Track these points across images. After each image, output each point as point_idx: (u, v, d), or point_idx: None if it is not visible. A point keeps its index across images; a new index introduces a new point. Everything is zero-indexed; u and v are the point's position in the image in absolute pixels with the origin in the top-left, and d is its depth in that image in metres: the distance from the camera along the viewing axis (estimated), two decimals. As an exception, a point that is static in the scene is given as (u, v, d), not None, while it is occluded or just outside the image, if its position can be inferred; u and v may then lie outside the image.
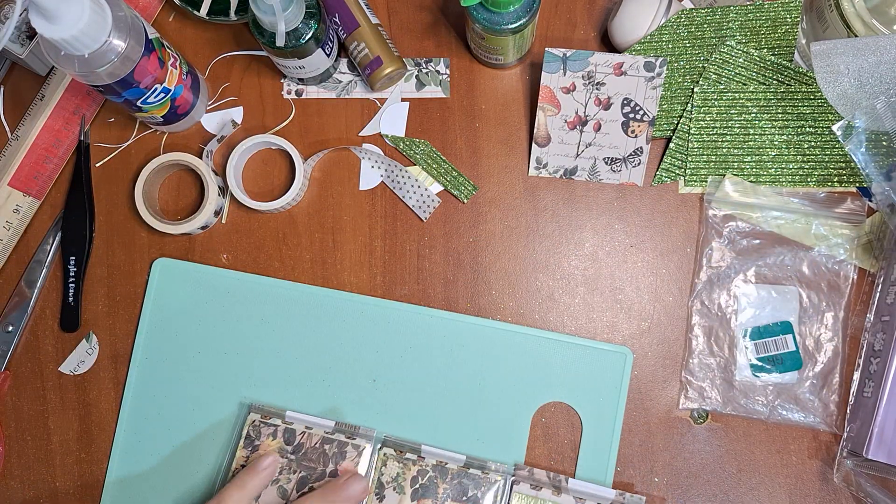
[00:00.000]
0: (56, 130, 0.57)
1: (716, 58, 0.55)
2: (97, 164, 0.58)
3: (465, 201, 0.56)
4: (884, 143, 0.51)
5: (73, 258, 0.56)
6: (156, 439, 0.55)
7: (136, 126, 0.58)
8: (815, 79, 0.53)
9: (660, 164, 0.56)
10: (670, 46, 0.55)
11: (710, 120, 0.55)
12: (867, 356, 0.53)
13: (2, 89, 0.59)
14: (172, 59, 0.52)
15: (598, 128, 0.54)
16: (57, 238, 0.57)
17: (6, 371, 0.56)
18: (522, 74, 0.58)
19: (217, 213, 0.57)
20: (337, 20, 0.55)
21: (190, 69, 0.55)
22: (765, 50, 0.55)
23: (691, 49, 0.55)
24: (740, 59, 0.55)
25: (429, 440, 0.54)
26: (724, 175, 0.55)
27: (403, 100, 0.58)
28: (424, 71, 0.58)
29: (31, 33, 0.55)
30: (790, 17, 0.55)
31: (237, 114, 0.58)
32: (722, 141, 0.55)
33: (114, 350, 0.56)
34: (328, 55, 0.55)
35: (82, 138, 0.57)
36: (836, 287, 0.54)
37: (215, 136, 0.57)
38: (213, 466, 0.54)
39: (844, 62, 0.51)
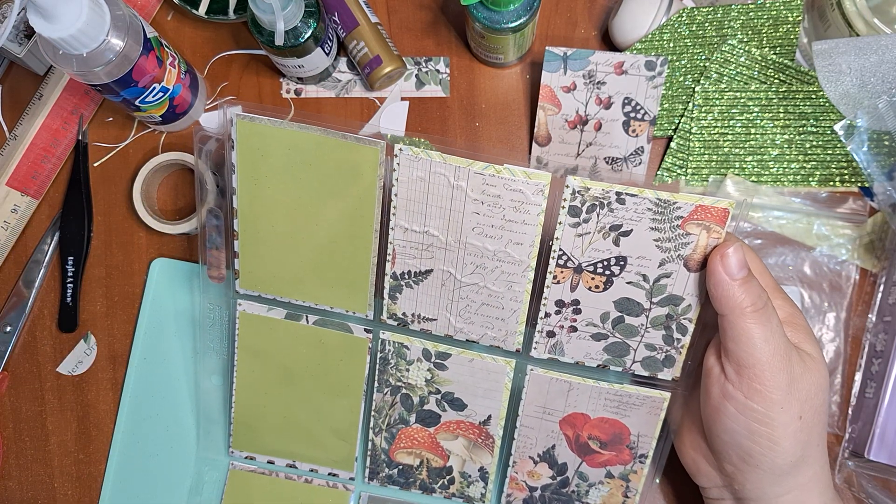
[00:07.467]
0: (54, 130, 0.56)
1: (717, 57, 0.55)
2: (95, 164, 0.58)
3: (465, 201, 0.56)
4: (886, 142, 0.51)
5: (72, 258, 0.56)
6: (154, 440, 0.55)
7: (135, 125, 0.58)
8: (816, 78, 0.53)
9: (661, 164, 0.55)
10: (671, 45, 0.55)
11: (712, 119, 0.55)
12: (869, 357, 0.53)
13: (0, 89, 0.59)
14: (171, 58, 0.51)
15: (598, 127, 0.54)
16: (55, 238, 0.57)
17: (4, 371, 0.56)
18: (523, 73, 0.57)
19: (216, 213, 0.57)
20: (336, 19, 0.55)
21: (188, 68, 0.54)
22: (766, 49, 0.55)
23: (692, 48, 0.55)
24: (742, 59, 0.55)
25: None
26: (726, 174, 0.55)
27: (403, 99, 0.57)
28: (424, 70, 0.57)
29: (30, 32, 0.55)
30: (792, 17, 0.55)
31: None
32: (723, 140, 0.55)
33: (112, 350, 0.56)
34: (327, 54, 0.54)
35: (80, 138, 0.57)
36: (838, 287, 0.54)
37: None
38: (212, 467, 0.54)
39: (846, 61, 0.51)
